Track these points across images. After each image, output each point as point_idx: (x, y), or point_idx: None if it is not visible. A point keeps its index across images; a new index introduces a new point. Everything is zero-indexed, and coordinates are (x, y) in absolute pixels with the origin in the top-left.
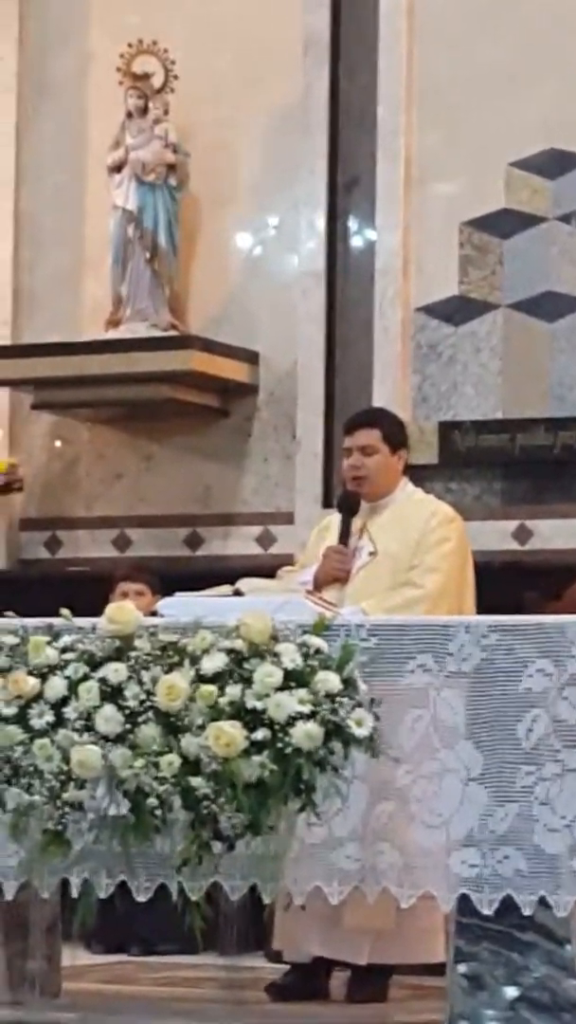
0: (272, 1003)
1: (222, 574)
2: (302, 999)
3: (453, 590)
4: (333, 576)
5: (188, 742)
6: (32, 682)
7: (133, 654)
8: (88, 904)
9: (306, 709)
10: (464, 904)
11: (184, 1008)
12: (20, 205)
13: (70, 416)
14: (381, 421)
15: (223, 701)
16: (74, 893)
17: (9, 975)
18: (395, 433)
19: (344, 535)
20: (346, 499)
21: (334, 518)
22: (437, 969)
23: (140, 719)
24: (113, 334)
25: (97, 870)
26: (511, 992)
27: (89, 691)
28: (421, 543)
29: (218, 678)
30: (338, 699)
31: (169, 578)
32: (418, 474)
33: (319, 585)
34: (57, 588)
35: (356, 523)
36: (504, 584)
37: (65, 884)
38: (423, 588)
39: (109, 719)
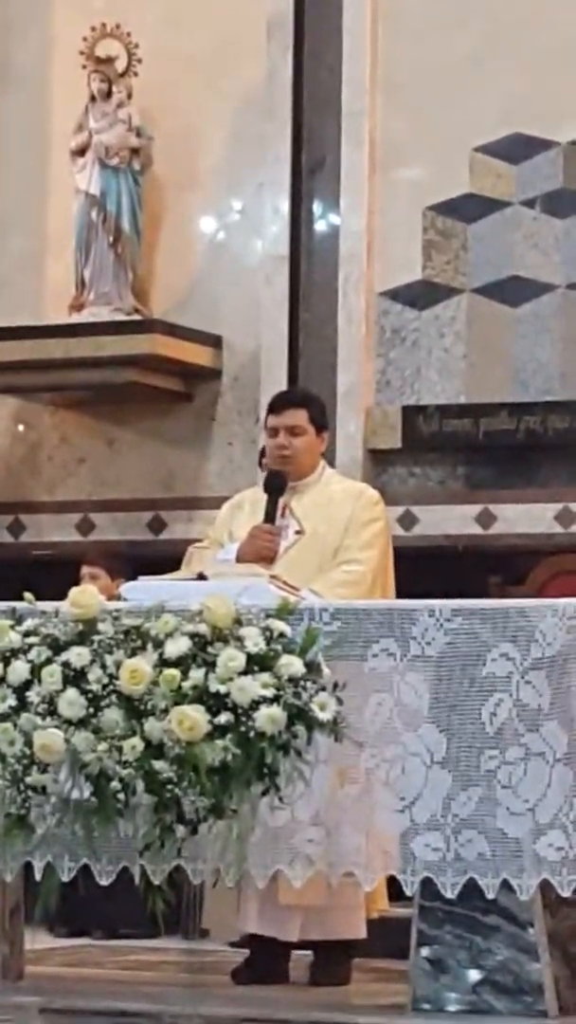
0: (235, 987)
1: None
2: (265, 982)
3: (382, 568)
4: (261, 555)
5: (151, 726)
6: None
7: (96, 638)
8: (51, 888)
9: (269, 693)
10: (427, 887)
11: (147, 992)
12: None
13: (33, 400)
14: (309, 402)
15: (186, 685)
16: (37, 877)
17: None
18: (320, 415)
19: (270, 514)
20: (273, 478)
21: (247, 494)
22: (400, 952)
23: (103, 703)
24: (76, 318)
25: (60, 854)
26: (474, 975)
27: (52, 675)
28: (352, 522)
29: (181, 662)
30: (301, 683)
31: (132, 562)
32: (381, 458)
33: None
34: (20, 572)
35: (279, 502)
36: (467, 568)
37: (28, 868)
38: (362, 564)
39: (72, 703)
